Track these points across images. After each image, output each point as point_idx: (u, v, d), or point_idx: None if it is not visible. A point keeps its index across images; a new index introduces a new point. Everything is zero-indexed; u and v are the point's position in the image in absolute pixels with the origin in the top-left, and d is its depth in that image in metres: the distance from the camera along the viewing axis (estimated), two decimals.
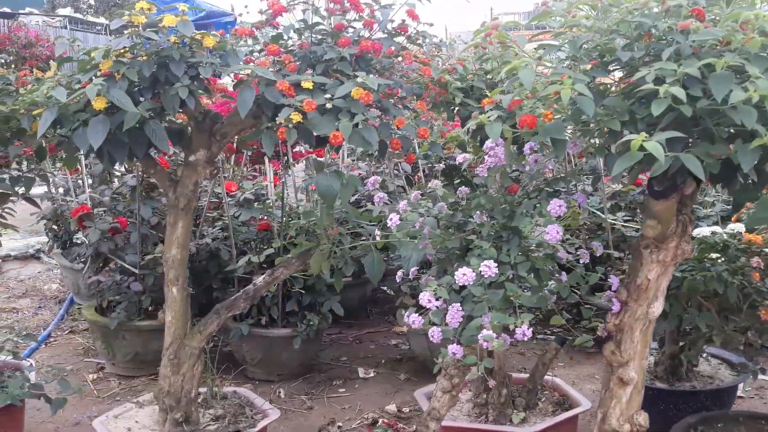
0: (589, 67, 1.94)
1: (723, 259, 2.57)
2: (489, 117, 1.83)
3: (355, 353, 4.70)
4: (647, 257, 2.03)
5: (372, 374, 4.38)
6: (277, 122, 2.40)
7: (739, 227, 2.58)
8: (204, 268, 4.20)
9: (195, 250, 4.06)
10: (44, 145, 2.91)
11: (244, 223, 4.33)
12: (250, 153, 4.51)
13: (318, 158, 5.24)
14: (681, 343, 3.26)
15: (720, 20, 1.76)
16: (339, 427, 3.73)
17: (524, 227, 1.92)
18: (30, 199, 3.09)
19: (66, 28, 18.99)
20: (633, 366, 2.14)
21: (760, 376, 3.55)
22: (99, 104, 2.35)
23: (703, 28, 1.71)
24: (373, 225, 2.85)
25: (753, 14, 1.72)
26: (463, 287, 2.07)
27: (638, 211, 4.38)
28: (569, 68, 1.92)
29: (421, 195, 2.32)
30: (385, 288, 5.61)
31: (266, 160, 4.66)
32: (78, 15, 26.99)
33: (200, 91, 2.53)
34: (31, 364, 3.31)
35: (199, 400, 3.07)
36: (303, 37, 2.74)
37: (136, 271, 3.99)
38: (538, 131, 1.76)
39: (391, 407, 3.91)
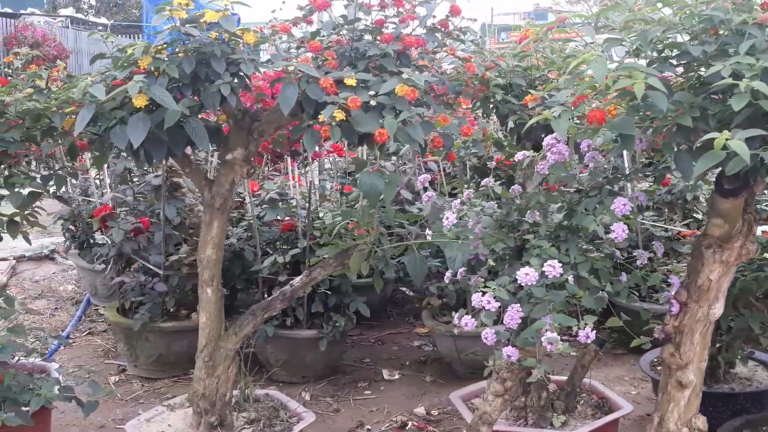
0: (646, 62, 1.89)
1: None
2: (554, 112, 1.78)
3: (378, 355, 4.65)
4: (709, 257, 1.98)
5: (397, 376, 4.32)
6: (320, 120, 2.36)
7: None
8: (227, 269, 4.15)
9: None
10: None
11: (265, 223, 4.28)
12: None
13: (338, 156, 5.20)
14: (718, 345, 3.22)
15: None
16: (368, 430, 3.68)
17: (588, 226, 1.86)
18: (61, 198, 3.04)
19: (68, 27, 18.95)
20: (692, 369, 2.09)
21: None
22: (140, 102, 2.30)
23: None
24: (409, 224, 2.81)
25: None
26: (519, 288, 2.02)
27: (666, 210, 4.33)
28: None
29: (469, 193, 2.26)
30: (404, 289, 5.57)
31: (288, 160, 4.61)
32: (79, 15, 26.95)
33: (240, 88, 2.49)
34: (60, 366, 3.25)
35: (232, 403, 3.01)
36: (339, 33, 2.70)
37: (160, 271, 3.93)
38: (606, 127, 1.71)
39: (420, 410, 3.87)
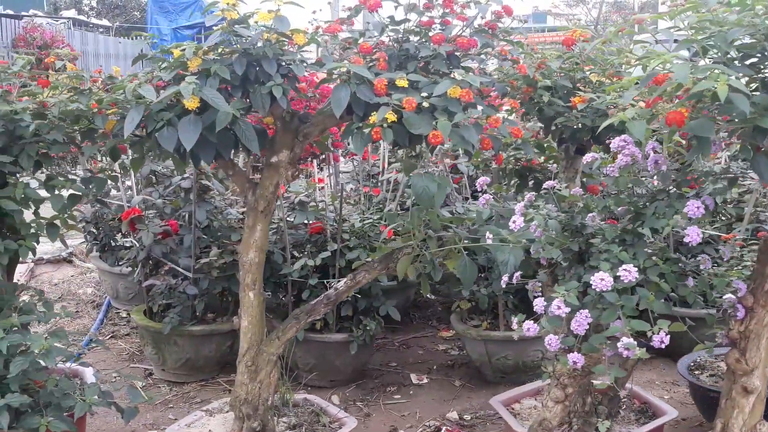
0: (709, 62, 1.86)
1: None
2: (628, 114, 1.75)
3: (404, 359, 4.61)
4: None
5: (425, 380, 4.29)
6: (371, 121, 2.33)
7: None
8: None
9: None
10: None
11: (292, 225, 4.25)
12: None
13: (360, 159, 5.16)
14: None
15: None
16: None
17: (662, 228, 1.83)
18: (102, 201, 3.00)
19: (71, 29, 18.91)
20: (757, 374, 2.06)
21: None
22: (192, 103, 2.27)
23: None
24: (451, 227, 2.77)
25: None
26: (583, 293, 1.99)
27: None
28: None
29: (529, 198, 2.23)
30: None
31: (314, 163, 4.58)
32: (81, 17, 26.94)
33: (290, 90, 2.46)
34: (97, 371, 3.21)
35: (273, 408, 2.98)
36: (386, 34, 2.67)
37: (190, 274, 3.90)
38: (684, 129, 1.68)
39: (452, 414, 3.83)
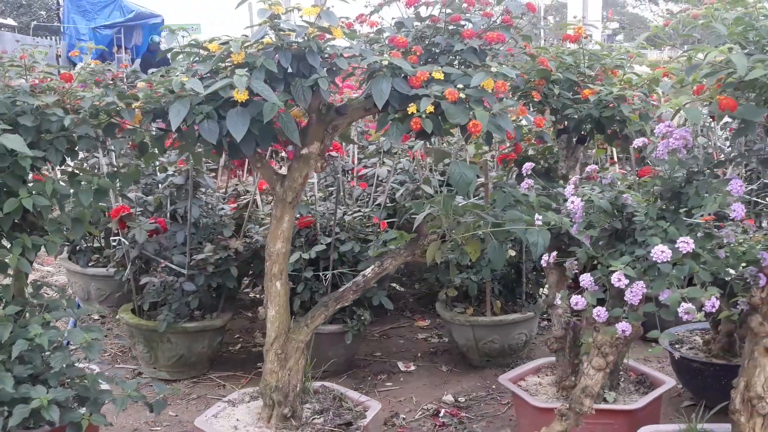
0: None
1: None
2: (682, 101, 1.93)
3: (387, 348, 4.74)
4: None
5: (413, 367, 4.42)
6: (409, 112, 2.45)
7: None
8: (248, 264, 4.17)
9: (241, 249, 4.01)
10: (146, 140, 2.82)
11: None
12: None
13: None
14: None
15: None
16: (403, 418, 3.77)
17: (710, 205, 2.02)
18: (126, 197, 2.99)
19: None
20: None
21: None
22: (242, 96, 2.33)
23: None
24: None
25: None
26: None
27: None
28: None
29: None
30: (394, 285, 5.69)
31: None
32: None
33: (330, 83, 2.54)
34: (112, 370, 3.19)
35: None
36: (402, 30, 2.79)
37: (185, 271, 3.90)
38: (735, 114, 1.87)
39: (448, 398, 3.98)
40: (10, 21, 27.81)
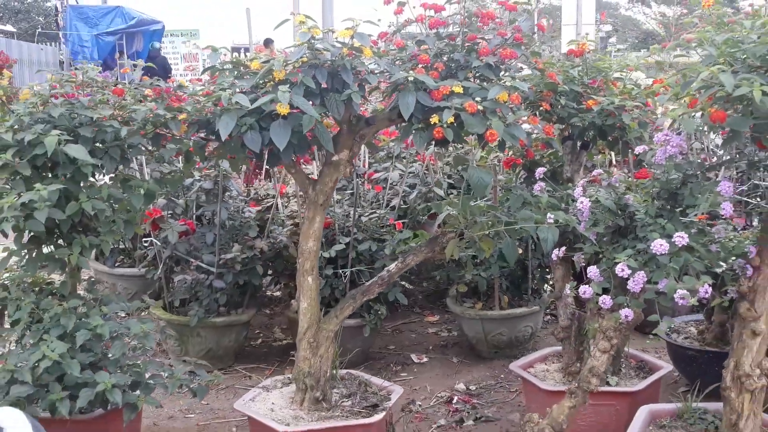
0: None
1: None
2: (678, 113, 2.22)
3: (400, 342, 5.02)
4: None
5: (425, 359, 4.71)
6: (432, 122, 2.73)
7: None
8: (271, 263, 4.45)
9: (266, 249, 4.28)
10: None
11: None
12: None
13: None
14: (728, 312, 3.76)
15: None
16: (419, 405, 4.05)
17: (702, 205, 2.31)
18: (172, 200, 3.26)
19: None
20: (763, 320, 2.57)
21: None
22: (284, 109, 2.61)
23: None
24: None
25: None
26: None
27: None
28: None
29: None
30: (404, 283, 5.96)
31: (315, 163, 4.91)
32: None
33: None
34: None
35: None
36: (423, 48, 3.07)
37: (214, 270, 4.17)
38: (725, 125, 2.16)
39: (460, 386, 4.27)
40: (9, 27, 28.09)
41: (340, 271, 4.33)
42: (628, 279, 2.36)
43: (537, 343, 4.75)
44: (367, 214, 4.56)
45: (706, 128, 2.39)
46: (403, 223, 4.81)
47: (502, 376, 4.37)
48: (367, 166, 5.59)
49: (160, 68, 13.28)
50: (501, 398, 4.12)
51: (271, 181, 5.27)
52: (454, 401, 4.07)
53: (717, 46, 2.28)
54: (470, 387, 4.26)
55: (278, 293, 5.64)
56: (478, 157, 4.67)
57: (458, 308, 4.58)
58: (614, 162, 5.41)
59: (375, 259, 4.38)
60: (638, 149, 2.62)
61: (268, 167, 5.42)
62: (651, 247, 2.28)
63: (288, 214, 4.67)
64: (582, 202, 2.54)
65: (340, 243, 4.32)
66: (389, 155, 5.58)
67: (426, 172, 5.08)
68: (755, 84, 2.10)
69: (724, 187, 2.32)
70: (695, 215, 2.50)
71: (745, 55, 2.15)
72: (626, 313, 2.46)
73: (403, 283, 5.88)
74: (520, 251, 4.35)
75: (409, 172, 5.08)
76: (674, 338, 4.02)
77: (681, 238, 2.27)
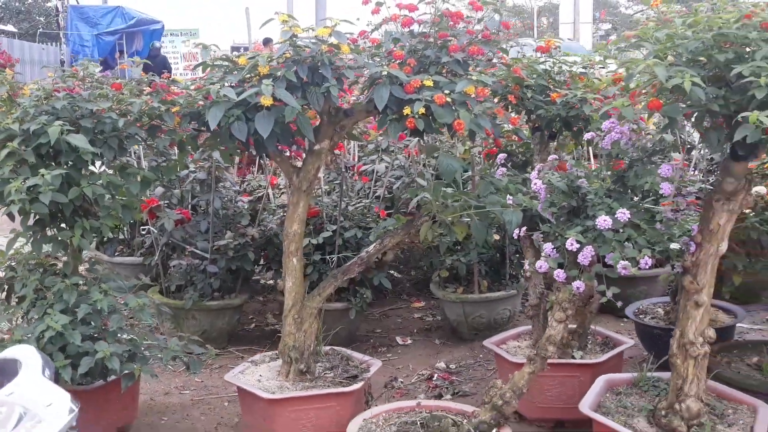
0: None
1: (753, 213, 3.32)
2: (622, 104, 2.46)
3: (387, 326, 5.26)
4: (718, 208, 2.72)
5: (409, 341, 4.95)
6: (405, 113, 2.97)
7: (762, 189, 3.34)
8: (262, 250, 4.70)
9: (257, 236, 4.53)
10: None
11: None
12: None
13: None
14: None
15: None
16: (401, 381, 4.29)
17: (647, 185, 2.55)
18: (168, 187, 3.51)
19: None
20: (705, 292, 2.82)
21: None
22: (267, 101, 2.85)
23: None
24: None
25: None
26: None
27: None
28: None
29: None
30: (392, 272, 6.21)
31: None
32: None
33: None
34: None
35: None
36: (398, 45, 3.31)
37: (208, 255, 4.42)
38: (660, 112, 2.41)
39: (441, 364, 4.51)
40: (10, 27, 28.37)
41: (328, 257, 4.57)
42: (578, 253, 2.60)
43: (515, 325, 4.95)
44: (353, 203, 4.80)
45: (646, 115, 2.64)
46: (389, 212, 5.05)
47: (481, 356, 4.61)
48: (356, 159, 5.85)
49: (160, 67, 13.53)
50: (479, 375, 4.36)
51: (263, 174, 5.52)
52: (434, 378, 4.32)
53: (660, 41, 2.52)
54: (450, 366, 4.51)
55: (271, 281, 5.89)
56: (462, 150, 4.92)
57: (441, 292, 4.82)
58: (593, 154, 5.67)
59: (361, 246, 4.62)
60: (587, 136, 2.86)
61: (261, 161, 5.69)
62: (597, 224, 2.53)
63: (278, 204, 4.92)
64: (536, 184, 2.79)
65: (328, 230, 4.56)
66: (377, 149, 5.84)
67: (410, 163, 5.32)
68: (686, 75, 2.34)
69: (664, 169, 2.57)
70: (653, 200, 2.75)
71: (683, 50, 2.39)
72: (578, 285, 2.70)
73: (391, 271, 6.16)
74: (497, 237, 4.59)
75: (395, 164, 5.33)
76: (642, 318, 4.26)
77: (623, 214, 2.51)
